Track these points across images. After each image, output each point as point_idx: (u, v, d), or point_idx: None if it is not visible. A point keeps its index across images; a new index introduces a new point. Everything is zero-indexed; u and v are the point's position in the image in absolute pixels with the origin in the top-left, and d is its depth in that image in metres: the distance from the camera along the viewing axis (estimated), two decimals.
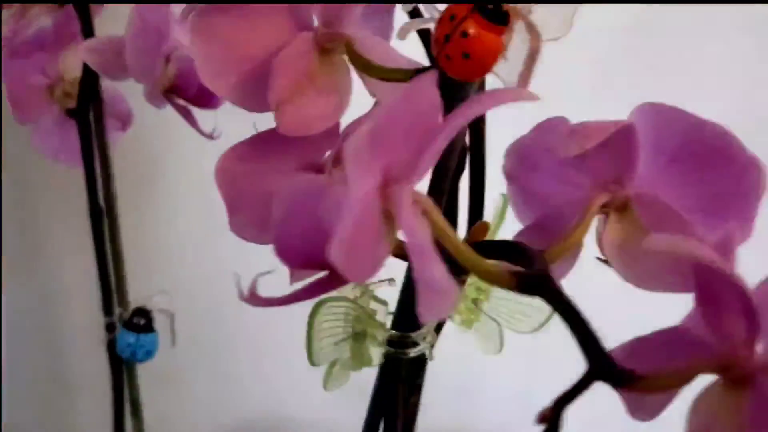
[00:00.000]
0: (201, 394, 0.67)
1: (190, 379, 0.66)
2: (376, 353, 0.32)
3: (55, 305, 0.65)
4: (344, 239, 0.18)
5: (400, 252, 0.25)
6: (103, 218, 0.45)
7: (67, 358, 0.66)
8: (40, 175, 0.61)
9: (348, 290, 0.31)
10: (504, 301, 0.34)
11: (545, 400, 0.21)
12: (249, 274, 0.22)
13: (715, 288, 0.20)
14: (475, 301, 0.35)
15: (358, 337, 0.31)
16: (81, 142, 0.44)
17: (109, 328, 0.46)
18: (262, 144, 0.27)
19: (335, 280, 0.21)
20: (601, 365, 0.20)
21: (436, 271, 0.18)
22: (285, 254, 0.21)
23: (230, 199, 0.27)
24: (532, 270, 0.22)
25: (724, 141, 0.25)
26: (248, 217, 0.27)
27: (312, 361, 0.29)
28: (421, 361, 0.34)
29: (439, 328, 0.34)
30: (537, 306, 0.33)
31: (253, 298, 0.22)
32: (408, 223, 0.19)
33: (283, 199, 0.20)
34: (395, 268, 0.30)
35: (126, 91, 0.48)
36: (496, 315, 0.34)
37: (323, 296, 0.29)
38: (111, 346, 0.46)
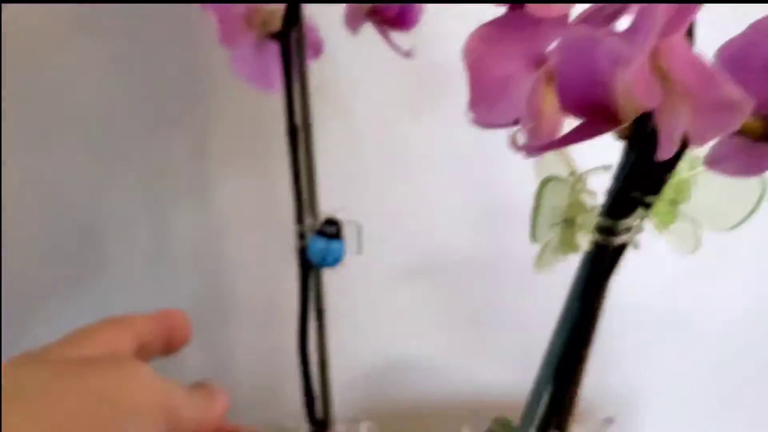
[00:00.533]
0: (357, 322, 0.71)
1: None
2: (583, 241, 0.34)
3: (223, 228, 0.70)
4: (631, 73, 0.20)
5: (623, 134, 0.27)
6: (298, 135, 0.49)
7: (230, 285, 0.72)
8: (213, 106, 0.66)
9: (564, 175, 0.33)
10: (704, 201, 0.35)
11: None
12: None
13: None
14: (672, 202, 0.37)
15: (569, 223, 0.34)
16: (282, 63, 0.48)
17: (301, 236, 0.50)
18: (500, 29, 0.30)
19: (600, 124, 0.23)
20: None
21: (728, 86, 0.20)
22: (565, 98, 0.23)
23: (474, 78, 0.30)
24: None
25: None
26: (487, 98, 0.30)
27: (534, 236, 0.32)
28: (618, 256, 0.36)
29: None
30: (738, 201, 0.34)
31: (518, 147, 0.26)
32: (688, 54, 0.21)
33: (562, 46, 0.23)
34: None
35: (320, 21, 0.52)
36: (695, 214, 0.36)
37: (548, 175, 0.31)
38: (302, 253, 0.50)
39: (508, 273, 0.74)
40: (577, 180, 0.33)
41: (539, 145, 0.24)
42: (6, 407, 0.24)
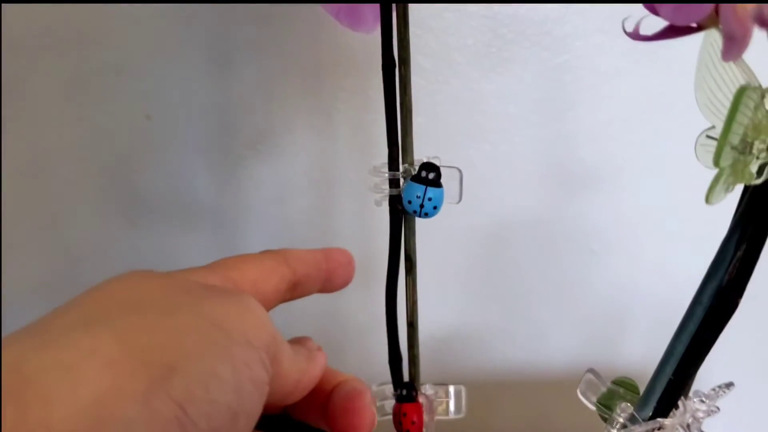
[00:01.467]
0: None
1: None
2: (755, 169, 0.31)
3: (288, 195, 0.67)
4: None
5: None
6: (394, 70, 0.45)
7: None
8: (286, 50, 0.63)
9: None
10: None
11: None
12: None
13: None
14: None
15: (744, 148, 0.30)
16: None
17: (392, 183, 0.46)
18: None
19: None
20: None
21: None
22: None
23: None
24: None
25: None
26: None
27: (717, 160, 0.28)
28: None
29: None
30: None
31: (635, 35, 0.28)
32: None
33: None
34: None
35: None
36: None
37: (743, 84, 0.28)
38: (393, 201, 0.46)
39: (574, 239, 0.71)
40: (763, 94, 0.29)
41: (644, 38, 0.22)
42: (123, 315, 0.25)
